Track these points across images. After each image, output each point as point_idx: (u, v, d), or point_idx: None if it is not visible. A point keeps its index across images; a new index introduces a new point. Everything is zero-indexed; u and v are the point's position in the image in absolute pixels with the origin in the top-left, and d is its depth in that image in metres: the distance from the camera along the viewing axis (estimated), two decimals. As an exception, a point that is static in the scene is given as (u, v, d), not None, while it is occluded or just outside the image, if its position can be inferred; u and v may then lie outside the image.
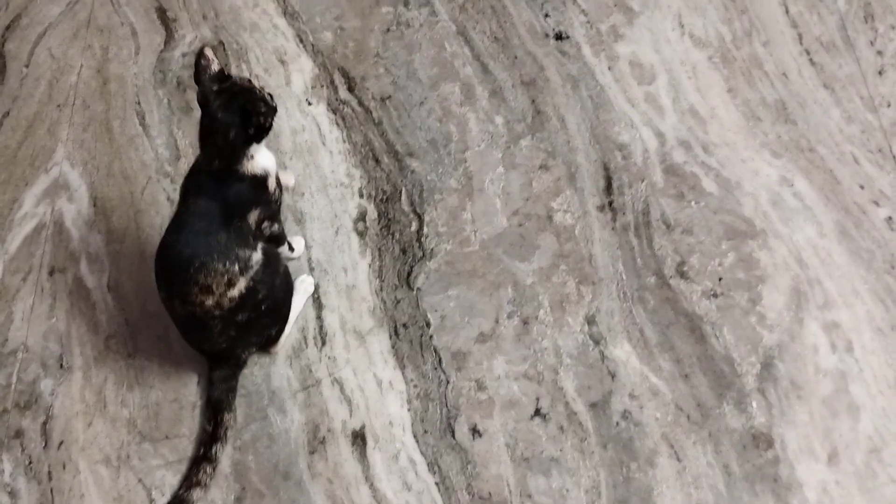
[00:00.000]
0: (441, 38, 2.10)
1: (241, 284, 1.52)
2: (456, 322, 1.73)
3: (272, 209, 1.61)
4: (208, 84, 1.50)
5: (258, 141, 1.53)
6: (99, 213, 1.92)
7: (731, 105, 1.94)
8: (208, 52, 1.51)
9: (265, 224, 1.60)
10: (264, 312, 1.59)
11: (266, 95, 1.54)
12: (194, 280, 1.48)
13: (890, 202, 1.79)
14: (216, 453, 1.60)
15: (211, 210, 1.50)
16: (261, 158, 1.55)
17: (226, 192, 1.51)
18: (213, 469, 1.59)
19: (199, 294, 1.49)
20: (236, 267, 1.50)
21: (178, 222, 1.54)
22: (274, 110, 1.54)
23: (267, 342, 1.68)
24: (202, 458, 1.60)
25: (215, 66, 1.51)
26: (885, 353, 1.63)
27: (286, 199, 1.88)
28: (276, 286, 1.61)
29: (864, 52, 1.97)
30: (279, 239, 1.68)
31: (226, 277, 1.49)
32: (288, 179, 1.88)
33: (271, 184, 1.58)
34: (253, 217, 1.55)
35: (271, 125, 1.53)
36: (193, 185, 1.55)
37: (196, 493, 1.57)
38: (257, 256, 1.55)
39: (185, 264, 1.48)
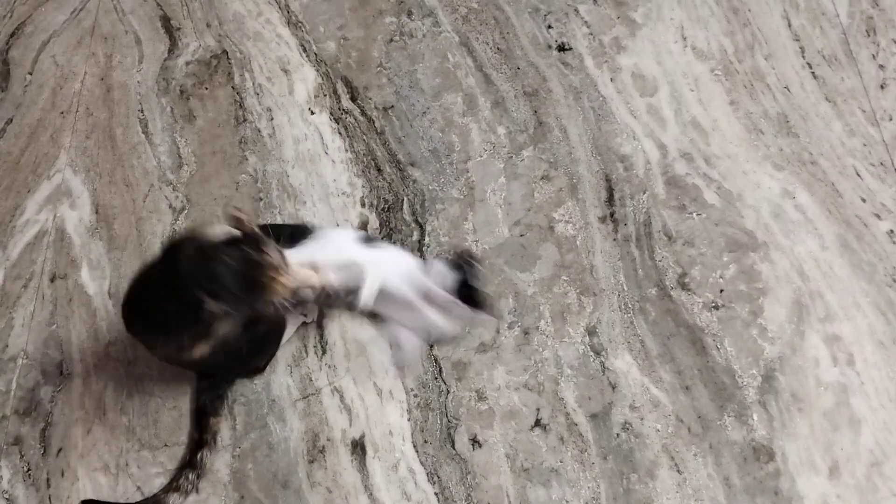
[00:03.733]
0: (444, 48, 2.11)
1: (207, 347, 1.45)
2: (456, 332, 1.73)
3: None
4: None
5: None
6: (101, 221, 1.92)
7: (733, 117, 1.94)
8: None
9: None
10: (246, 355, 1.59)
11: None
12: (161, 344, 1.50)
13: (892, 215, 1.78)
14: (201, 459, 1.58)
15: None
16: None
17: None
18: (197, 476, 1.57)
19: (169, 351, 1.51)
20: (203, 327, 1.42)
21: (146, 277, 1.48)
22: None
23: (254, 372, 1.68)
24: (186, 464, 1.58)
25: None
26: (887, 366, 1.63)
27: (287, 206, 1.88)
28: (257, 335, 1.55)
29: (866, 65, 1.98)
30: None
31: (193, 340, 1.44)
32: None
33: None
34: None
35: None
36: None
37: (173, 499, 1.55)
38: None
39: (155, 328, 1.46)
